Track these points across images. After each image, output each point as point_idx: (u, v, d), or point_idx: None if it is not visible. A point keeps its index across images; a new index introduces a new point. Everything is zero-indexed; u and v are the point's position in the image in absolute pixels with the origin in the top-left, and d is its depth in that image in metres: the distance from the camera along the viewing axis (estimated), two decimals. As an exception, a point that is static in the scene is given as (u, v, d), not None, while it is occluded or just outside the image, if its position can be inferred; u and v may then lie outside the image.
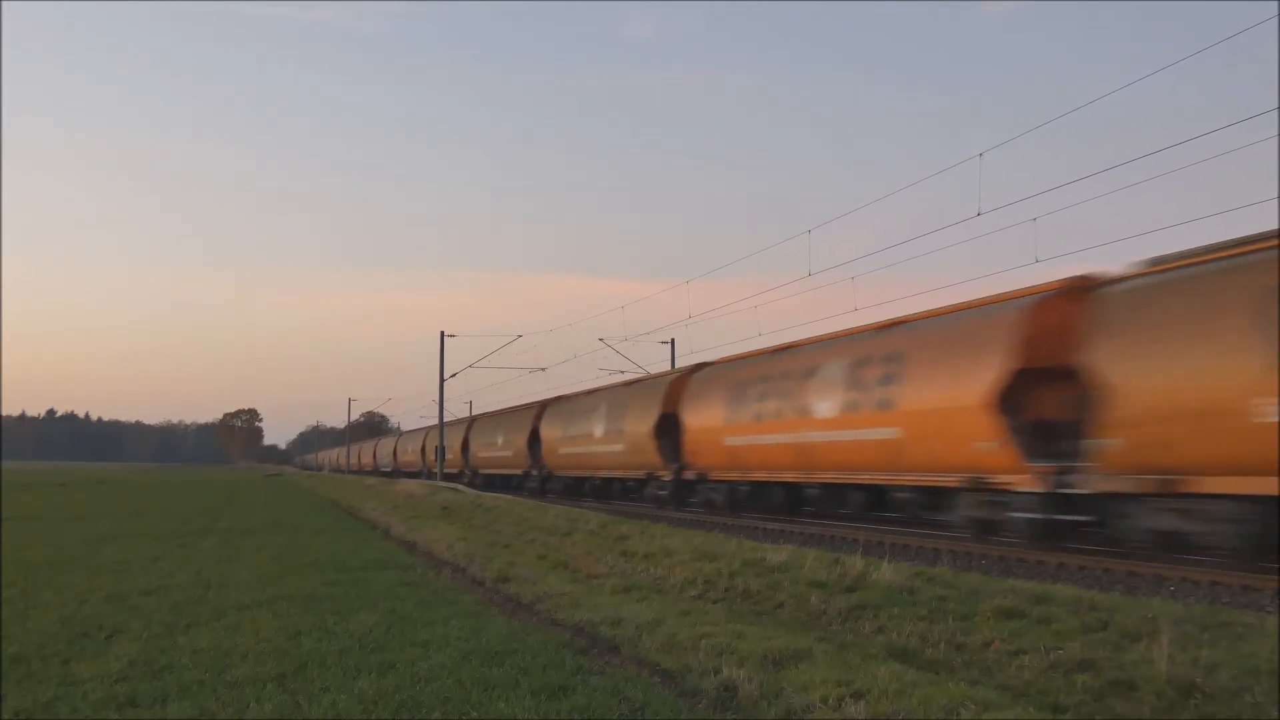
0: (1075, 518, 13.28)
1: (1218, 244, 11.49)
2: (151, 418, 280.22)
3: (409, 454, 62.23)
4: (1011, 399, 13.81)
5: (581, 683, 5.85)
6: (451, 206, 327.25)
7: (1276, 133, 17.62)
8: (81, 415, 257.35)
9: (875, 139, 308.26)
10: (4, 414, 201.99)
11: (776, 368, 20.45)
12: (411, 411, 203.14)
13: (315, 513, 25.58)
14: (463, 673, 6.05)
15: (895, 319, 17.73)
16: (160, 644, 7.12)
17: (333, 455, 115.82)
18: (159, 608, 8.80)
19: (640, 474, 26.83)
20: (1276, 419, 10.00)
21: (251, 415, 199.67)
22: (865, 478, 17.22)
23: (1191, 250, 11.81)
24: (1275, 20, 16.93)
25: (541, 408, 37.18)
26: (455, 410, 62.69)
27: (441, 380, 45.25)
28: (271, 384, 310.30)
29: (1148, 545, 12.10)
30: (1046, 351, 13.54)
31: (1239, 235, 11.39)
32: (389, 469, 69.52)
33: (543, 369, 49.59)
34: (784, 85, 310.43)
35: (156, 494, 38.31)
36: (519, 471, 38.90)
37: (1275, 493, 10.14)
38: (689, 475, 24.04)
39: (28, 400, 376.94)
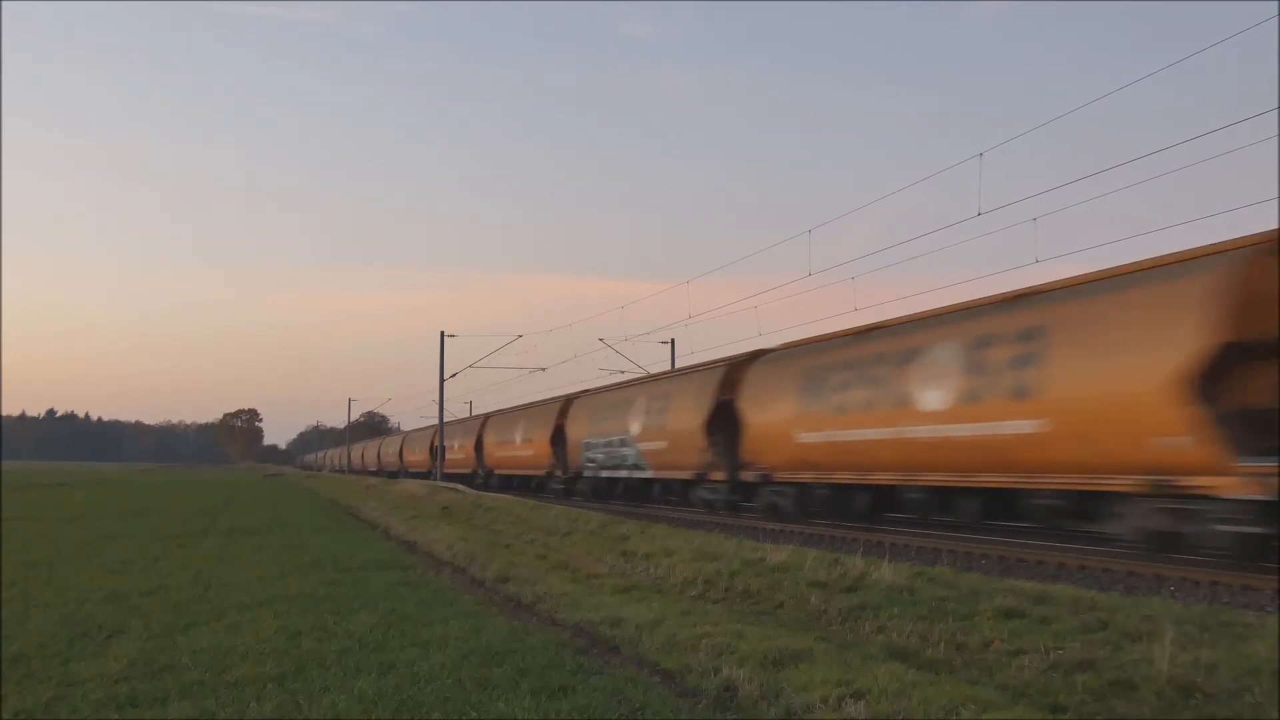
0: None
1: None
2: (151, 418, 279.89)
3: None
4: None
5: (581, 683, 5.85)
6: (452, 206, 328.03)
7: (1276, 133, 17.62)
8: (81, 415, 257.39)
9: (875, 138, 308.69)
10: (4, 414, 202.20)
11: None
12: (412, 411, 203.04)
13: (315, 513, 25.57)
14: (463, 673, 6.04)
15: None
16: (160, 644, 7.12)
17: (341, 454, 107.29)
18: (159, 608, 8.80)
19: (686, 475, 23.76)
20: None
21: (252, 415, 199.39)
22: None
23: None
24: (1275, 20, 16.94)
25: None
26: (455, 410, 62.37)
27: (441, 380, 45.30)
28: (271, 384, 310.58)
29: None
30: None
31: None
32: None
33: (543, 369, 49.52)
34: (783, 85, 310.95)
35: (156, 494, 38.24)
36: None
37: None
38: (748, 476, 20.99)
39: (28, 400, 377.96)
